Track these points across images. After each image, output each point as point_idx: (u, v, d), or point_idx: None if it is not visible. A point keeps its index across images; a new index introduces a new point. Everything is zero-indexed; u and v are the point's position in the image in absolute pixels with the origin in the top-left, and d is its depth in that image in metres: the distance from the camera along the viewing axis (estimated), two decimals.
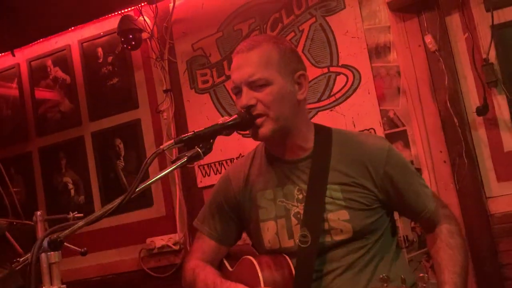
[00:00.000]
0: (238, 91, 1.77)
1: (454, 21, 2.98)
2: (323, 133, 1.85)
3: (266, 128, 1.73)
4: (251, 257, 1.78)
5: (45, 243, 1.28)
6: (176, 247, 3.65)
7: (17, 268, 1.31)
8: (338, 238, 1.73)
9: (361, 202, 1.74)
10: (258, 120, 1.72)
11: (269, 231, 1.83)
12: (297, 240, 1.75)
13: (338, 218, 1.72)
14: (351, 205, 1.73)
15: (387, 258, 1.80)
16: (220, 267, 1.98)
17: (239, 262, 1.86)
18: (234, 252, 2.02)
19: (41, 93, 4.28)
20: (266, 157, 1.91)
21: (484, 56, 2.87)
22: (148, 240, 3.73)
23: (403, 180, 1.78)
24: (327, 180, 1.75)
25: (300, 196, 1.79)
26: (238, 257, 1.89)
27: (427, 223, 1.85)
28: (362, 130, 3.11)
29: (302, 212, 1.77)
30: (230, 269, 1.92)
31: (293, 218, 1.79)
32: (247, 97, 1.72)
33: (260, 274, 1.70)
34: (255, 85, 1.72)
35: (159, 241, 3.69)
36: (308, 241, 1.71)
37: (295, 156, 1.82)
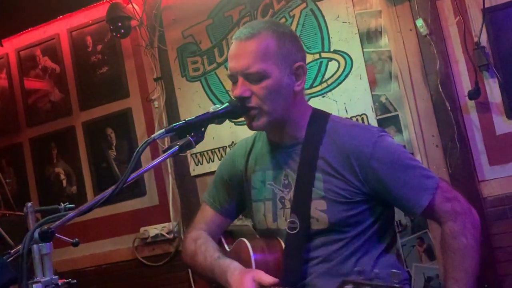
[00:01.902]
0: (234, 79, 1.74)
1: (445, 4, 2.97)
2: (319, 121, 1.82)
3: (260, 122, 1.72)
4: (245, 240, 1.81)
5: (36, 234, 1.27)
6: (170, 236, 3.65)
7: (9, 260, 1.30)
8: (314, 227, 1.72)
9: (341, 194, 1.71)
10: (252, 112, 1.71)
11: (258, 211, 1.88)
12: (285, 226, 1.75)
13: (316, 208, 1.71)
14: (330, 195, 1.71)
15: (371, 255, 1.75)
16: (219, 246, 2.01)
17: (235, 243, 1.90)
18: (234, 232, 2.08)
19: (31, 83, 4.25)
20: (267, 140, 1.91)
21: (475, 39, 2.88)
22: (142, 230, 3.74)
23: (390, 174, 1.69)
24: (315, 168, 1.73)
25: (286, 182, 1.80)
26: (237, 238, 1.92)
27: (430, 218, 1.77)
28: (355, 116, 3.11)
29: (286, 197, 1.78)
30: (227, 249, 1.97)
31: (278, 202, 1.82)
32: (242, 88, 1.69)
33: (252, 258, 1.73)
34: (251, 78, 1.69)
35: (153, 230, 3.70)
36: (296, 228, 1.72)
37: (286, 142, 1.83)
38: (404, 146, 3.01)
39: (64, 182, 4.10)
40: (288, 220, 1.74)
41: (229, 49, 1.82)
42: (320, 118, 1.83)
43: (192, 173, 3.61)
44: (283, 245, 1.76)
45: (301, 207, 1.73)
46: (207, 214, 2.02)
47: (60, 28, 4.11)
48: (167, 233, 3.66)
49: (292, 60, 1.74)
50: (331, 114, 1.85)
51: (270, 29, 1.73)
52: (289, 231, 1.73)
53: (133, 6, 3.66)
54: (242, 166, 1.95)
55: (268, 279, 1.63)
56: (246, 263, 1.73)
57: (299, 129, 1.81)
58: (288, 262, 1.73)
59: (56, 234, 1.30)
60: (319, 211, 1.71)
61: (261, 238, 1.85)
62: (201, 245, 1.90)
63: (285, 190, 1.80)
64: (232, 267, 1.73)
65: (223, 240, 2.04)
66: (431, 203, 1.70)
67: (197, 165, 3.59)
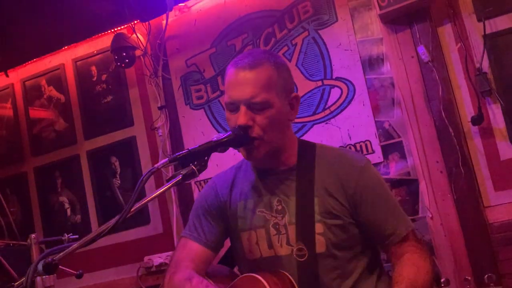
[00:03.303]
0: (234, 108, 1.74)
1: (446, 31, 3.00)
2: (308, 148, 1.87)
3: (259, 152, 1.74)
4: (254, 274, 1.75)
5: (39, 266, 1.27)
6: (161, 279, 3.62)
7: None
8: (315, 251, 1.73)
9: (335, 215, 1.74)
10: (256, 143, 1.72)
11: (249, 241, 1.84)
12: (284, 252, 1.76)
13: (314, 232, 1.72)
14: (326, 218, 1.73)
15: (371, 280, 1.78)
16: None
17: (236, 281, 1.82)
18: (210, 272, 1.94)
19: (36, 113, 4.28)
20: (251, 168, 1.92)
21: (477, 65, 2.89)
22: (146, 258, 3.71)
23: (372, 199, 1.75)
24: (314, 193, 1.76)
25: (279, 207, 1.80)
26: (217, 276, 1.84)
27: (395, 253, 1.75)
28: (358, 142, 3.12)
29: (281, 223, 1.78)
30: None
31: (271, 229, 1.80)
32: (246, 117, 1.70)
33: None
34: (255, 107, 1.71)
35: (157, 259, 3.67)
36: (305, 254, 1.72)
37: (278, 168, 1.84)
38: (409, 173, 3.01)
39: (69, 211, 4.09)
40: (296, 248, 1.73)
41: None
42: (307, 145, 1.89)
43: None
44: (291, 278, 1.74)
45: (307, 233, 1.73)
46: (191, 250, 1.88)
47: (65, 58, 4.16)
48: None
49: (289, 90, 1.80)
50: (315, 143, 1.91)
51: (270, 60, 1.77)
52: (298, 259, 1.73)
53: (137, 36, 3.71)
54: (225, 196, 1.92)
55: None
56: None
57: (291, 155, 1.84)
58: None
59: (60, 266, 1.29)
60: (318, 234, 1.73)
61: (265, 271, 1.78)
62: (198, 284, 1.74)
63: (278, 216, 1.80)
64: None
65: (208, 279, 1.87)
66: (407, 236, 1.74)
67: None
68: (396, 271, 1.69)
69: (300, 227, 1.74)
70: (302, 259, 1.72)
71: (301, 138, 1.96)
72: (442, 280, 1.89)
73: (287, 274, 1.76)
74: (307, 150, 1.86)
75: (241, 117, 1.70)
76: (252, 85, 1.70)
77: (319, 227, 1.73)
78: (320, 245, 1.72)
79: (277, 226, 1.79)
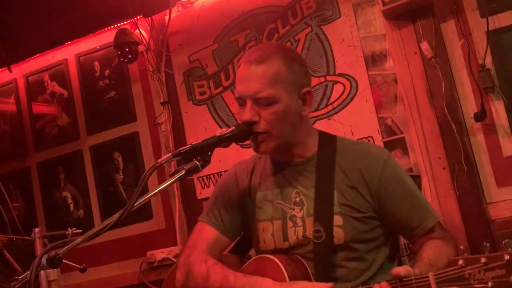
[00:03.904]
0: (242, 102, 1.75)
1: (450, 27, 2.99)
2: (328, 141, 1.87)
3: (267, 146, 1.75)
4: (269, 255, 1.76)
5: (43, 260, 1.27)
6: (177, 260, 3.63)
7: (16, 287, 1.30)
8: (335, 242, 1.74)
9: (355, 208, 1.74)
10: (260, 137, 1.72)
11: (265, 231, 1.85)
12: (311, 236, 1.75)
13: (333, 223, 1.73)
14: (345, 211, 1.73)
15: (385, 271, 1.77)
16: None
17: (249, 262, 1.84)
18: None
19: (39, 108, 4.28)
20: (270, 160, 1.92)
21: (480, 62, 2.88)
22: (149, 253, 3.72)
23: (398, 192, 1.75)
24: (333, 182, 1.75)
25: (297, 199, 1.81)
26: (231, 264, 1.86)
27: (422, 244, 1.75)
28: (361, 138, 3.11)
29: (298, 215, 1.78)
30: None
31: (288, 221, 1.81)
32: (251, 113, 1.71)
33: (284, 271, 1.67)
34: (260, 102, 1.71)
35: (160, 254, 3.68)
36: (322, 236, 1.72)
37: (295, 161, 1.84)
38: (411, 169, 3.01)
39: (71, 206, 4.10)
40: (313, 230, 1.73)
41: (235, 73, 1.86)
42: (329, 138, 1.89)
43: (199, 196, 3.60)
44: (303, 261, 1.75)
45: (324, 217, 1.73)
46: (208, 235, 1.90)
47: (68, 54, 4.16)
48: (174, 257, 3.63)
49: (300, 86, 1.77)
50: (336, 135, 1.90)
51: (280, 54, 1.75)
52: (315, 240, 1.73)
53: (140, 32, 3.70)
54: (245, 186, 1.94)
55: (322, 286, 1.60)
56: (276, 278, 1.67)
57: (308, 149, 1.84)
58: (318, 272, 1.71)
59: (64, 260, 1.30)
60: (336, 226, 1.72)
61: (280, 254, 1.79)
62: (214, 265, 1.78)
63: (296, 208, 1.80)
64: (268, 282, 1.64)
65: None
66: (433, 227, 1.73)
67: (203, 188, 3.59)
68: (419, 254, 1.69)
69: (318, 218, 1.74)
70: (319, 241, 1.72)
71: None
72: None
73: (299, 257, 1.77)
74: (327, 142, 1.85)
75: (246, 113, 1.72)
76: (258, 80, 1.70)
77: (338, 219, 1.73)
78: (339, 237, 1.72)
79: (294, 219, 1.80)
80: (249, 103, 1.72)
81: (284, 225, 1.81)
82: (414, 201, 1.77)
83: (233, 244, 2.04)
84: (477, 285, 1.27)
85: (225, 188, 1.98)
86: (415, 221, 1.74)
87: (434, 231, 1.75)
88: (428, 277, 1.38)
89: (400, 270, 1.45)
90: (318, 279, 1.69)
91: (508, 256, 1.26)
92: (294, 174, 1.83)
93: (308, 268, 1.73)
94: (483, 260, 1.28)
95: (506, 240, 1.29)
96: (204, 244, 1.88)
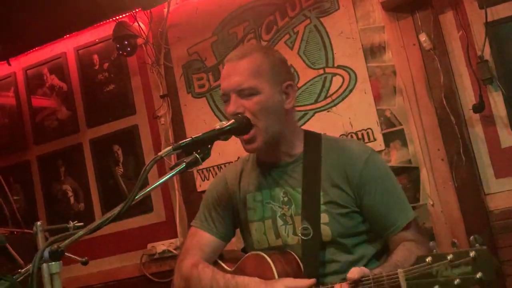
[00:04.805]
0: (227, 98, 1.80)
1: (448, 19, 2.99)
2: (313, 139, 1.90)
3: (258, 142, 1.77)
4: (260, 252, 1.81)
5: (46, 253, 1.28)
6: (177, 252, 3.64)
7: (19, 280, 1.31)
8: (322, 240, 1.77)
9: (340, 204, 1.77)
10: (248, 135, 1.75)
11: (257, 231, 1.89)
12: (292, 240, 1.80)
13: (320, 221, 1.76)
14: (331, 208, 1.77)
15: (373, 262, 1.81)
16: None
17: (243, 259, 1.88)
18: (223, 255, 2.04)
19: (38, 101, 4.29)
20: (254, 161, 1.97)
21: (478, 53, 2.88)
22: (149, 246, 3.74)
23: (376, 190, 1.78)
24: (319, 181, 1.79)
25: (286, 199, 1.84)
26: (231, 259, 1.91)
27: (393, 242, 1.78)
28: (360, 130, 3.12)
29: (287, 214, 1.82)
30: (228, 269, 1.93)
31: (278, 219, 1.85)
32: (236, 104, 1.75)
33: (273, 268, 1.72)
34: (243, 94, 1.75)
35: (160, 246, 3.70)
36: (310, 233, 1.75)
37: (281, 161, 1.88)
38: (410, 160, 3.02)
39: (72, 199, 4.11)
40: (301, 227, 1.77)
41: None
42: (313, 136, 1.92)
43: (199, 189, 3.61)
44: (295, 256, 1.78)
45: (312, 216, 1.77)
46: (201, 238, 1.97)
47: (67, 47, 4.15)
48: (175, 249, 3.65)
49: (282, 79, 1.82)
50: (321, 133, 1.93)
51: (261, 50, 1.83)
52: (303, 237, 1.76)
53: (139, 25, 3.70)
54: (235, 189, 1.98)
55: (304, 282, 1.64)
56: (265, 276, 1.71)
57: (294, 147, 1.88)
58: (307, 268, 1.74)
59: (66, 253, 1.31)
60: (323, 224, 1.76)
61: (271, 252, 1.84)
62: (204, 268, 1.85)
63: (285, 207, 1.84)
64: (254, 282, 1.68)
65: (219, 261, 1.99)
66: (406, 228, 1.76)
67: (203, 180, 3.60)
68: (389, 256, 1.73)
69: (305, 216, 1.78)
70: (306, 238, 1.75)
71: (303, 126, 1.98)
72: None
73: (292, 252, 1.80)
74: (313, 141, 1.89)
75: (231, 105, 1.76)
76: (239, 73, 1.76)
77: (324, 217, 1.76)
78: (326, 234, 1.76)
79: (284, 217, 1.84)
80: (233, 96, 1.76)
81: (274, 224, 1.85)
82: (391, 201, 1.79)
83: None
84: (444, 282, 1.28)
85: (215, 192, 2.02)
86: (390, 221, 1.77)
87: (407, 229, 1.78)
88: (397, 274, 1.40)
89: (355, 272, 1.50)
90: (308, 275, 1.71)
91: (473, 253, 1.26)
92: (281, 175, 1.87)
93: (300, 262, 1.75)
94: (449, 257, 1.29)
95: (474, 236, 1.30)
96: (196, 248, 1.95)
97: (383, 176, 1.83)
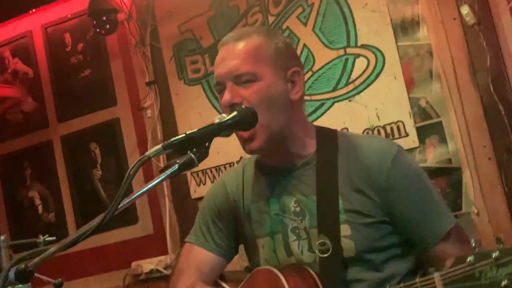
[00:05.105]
0: (221, 88, 1.79)
1: None
2: (328, 137, 1.89)
3: (259, 140, 1.76)
4: (270, 268, 1.80)
5: (11, 274, 1.29)
6: (168, 272, 3.66)
7: None
8: (344, 255, 1.76)
9: (364, 213, 1.76)
10: (248, 132, 1.75)
11: (265, 248, 1.88)
12: (306, 258, 1.79)
13: (340, 234, 1.76)
14: (353, 218, 1.76)
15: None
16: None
17: (249, 276, 1.88)
18: (227, 276, 2.05)
19: None
20: (257, 166, 1.96)
21: None
22: (134, 264, 3.76)
23: (408, 194, 1.77)
24: (337, 186, 1.78)
25: (297, 209, 1.83)
26: (234, 280, 1.92)
27: (435, 255, 1.77)
28: (389, 124, 3.12)
29: (300, 227, 1.82)
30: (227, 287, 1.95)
31: (290, 233, 1.84)
32: (232, 93, 1.74)
33: (285, 284, 1.71)
34: (241, 80, 1.75)
35: (147, 265, 3.71)
36: (328, 249, 1.75)
37: (290, 164, 1.87)
38: (450, 160, 3.02)
39: (40, 208, 4.13)
40: (318, 242, 1.76)
41: None
42: (328, 134, 1.91)
43: (193, 195, 3.62)
44: (312, 273, 1.78)
45: (330, 228, 1.76)
46: (197, 256, 1.97)
47: (33, 24, 4.17)
48: (164, 268, 3.67)
49: (287, 65, 1.82)
50: (336, 129, 1.93)
51: (260, 32, 1.84)
52: (320, 254, 1.75)
53: None
54: (237, 196, 1.97)
55: None
56: None
57: (305, 146, 1.87)
58: None
59: (35, 274, 1.31)
60: (344, 237, 1.75)
61: (282, 267, 1.83)
62: None
63: (297, 219, 1.83)
64: None
65: (219, 281, 2.00)
66: (446, 238, 1.75)
67: (199, 185, 3.61)
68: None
69: (322, 229, 1.77)
70: (325, 255, 1.75)
71: (319, 119, 1.98)
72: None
73: (308, 268, 1.79)
74: (327, 139, 1.88)
75: (226, 94, 1.75)
76: (236, 56, 1.76)
77: (345, 229, 1.75)
78: (349, 249, 1.75)
79: (297, 231, 1.82)
80: (228, 84, 1.76)
81: (285, 238, 1.84)
82: (427, 205, 1.79)
83: None
84: (489, 284, 1.28)
85: (214, 201, 2.01)
86: (426, 229, 1.77)
87: (449, 238, 1.76)
88: (433, 278, 1.40)
89: None
90: None
91: None
92: (291, 181, 1.86)
93: (318, 281, 1.76)
94: (494, 254, 1.28)
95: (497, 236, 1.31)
96: (192, 268, 1.95)
97: (415, 176, 1.82)
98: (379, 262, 1.77)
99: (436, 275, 1.39)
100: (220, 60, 1.81)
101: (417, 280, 1.48)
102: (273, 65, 1.78)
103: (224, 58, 1.79)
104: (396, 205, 1.77)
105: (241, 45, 1.78)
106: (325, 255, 1.75)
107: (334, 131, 1.93)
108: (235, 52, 1.77)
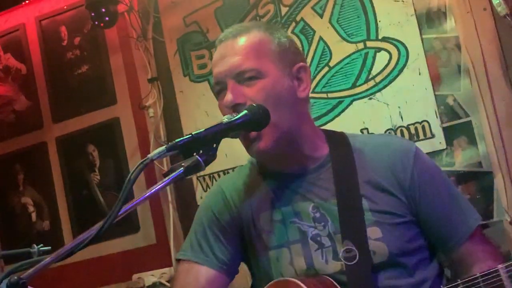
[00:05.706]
0: (221, 88, 1.79)
1: None
2: (338, 138, 1.91)
3: (266, 140, 1.75)
4: (291, 279, 1.77)
5: (3, 286, 1.29)
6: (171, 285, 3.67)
7: None
8: (374, 261, 1.76)
9: (393, 213, 1.77)
10: (253, 133, 1.74)
11: (280, 260, 1.84)
12: (331, 269, 1.77)
13: (370, 237, 1.75)
14: (382, 219, 1.76)
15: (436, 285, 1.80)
16: None
17: (272, 285, 1.84)
18: None
19: None
20: (258, 171, 1.96)
21: None
22: (135, 277, 3.76)
23: (433, 192, 1.80)
24: (358, 186, 1.79)
25: (317, 215, 1.82)
26: None
27: (463, 255, 1.80)
28: (413, 123, 3.11)
29: (323, 234, 1.80)
30: None
31: (311, 242, 1.81)
32: (234, 93, 1.74)
33: None
34: (243, 78, 1.75)
35: (149, 277, 3.71)
36: (355, 256, 1.73)
37: (300, 167, 1.87)
38: (480, 163, 3.00)
39: (34, 215, 4.15)
40: (343, 249, 1.75)
41: None
42: (337, 135, 1.94)
43: (199, 202, 3.62)
44: (335, 283, 1.76)
45: (356, 232, 1.76)
46: (197, 276, 1.90)
47: (26, 16, 4.19)
48: (168, 281, 3.67)
49: (291, 61, 1.83)
50: (344, 132, 1.95)
51: (261, 27, 1.85)
52: (346, 262, 1.74)
53: None
54: (240, 206, 1.94)
55: None
56: None
57: (317, 149, 1.88)
58: None
59: (29, 286, 1.32)
60: (375, 240, 1.75)
61: (305, 276, 1.80)
62: None
63: (318, 225, 1.81)
64: None
65: None
66: (472, 238, 1.79)
67: (205, 190, 3.61)
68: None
69: (347, 234, 1.76)
70: (351, 263, 1.74)
71: (336, 118, 1.97)
72: None
73: (331, 280, 1.77)
74: (339, 140, 1.90)
75: (228, 95, 1.74)
76: (237, 53, 1.76)
77: (374, 231, 1.75)
78: (381, 253, 1.74)
79: (319, 238, 1.80)
80: (230, 83, 1.75)
81: (306, 248, 1.82)
82: (453, 201, 1.83)
83: None
84: None
85: (212, 211, 1.97)
86: (452, 228, 1.80)
87: (474, 236, 1.80)
88: (498, 271, 1.42)
89: None
90: None
91: None
92: (306, 186, 1.85)
93: None
94: None
95: None
96: None
97: (436, 173, 1.87)
98: (411, 266, 1.77)
99: (501, 267, 1.42)
100: (218, 58, 1.81)
101: (478, 275, 1.49)
102: (277, 60, 1.79)
103: (224, 56, 1.79)
104: (422, 204, 1.80)
105: (241, 40, 1.78)
106: (352, 262, 1.74)
107: (342, 132, 1.95)
108: (235, 48, 1.78)
